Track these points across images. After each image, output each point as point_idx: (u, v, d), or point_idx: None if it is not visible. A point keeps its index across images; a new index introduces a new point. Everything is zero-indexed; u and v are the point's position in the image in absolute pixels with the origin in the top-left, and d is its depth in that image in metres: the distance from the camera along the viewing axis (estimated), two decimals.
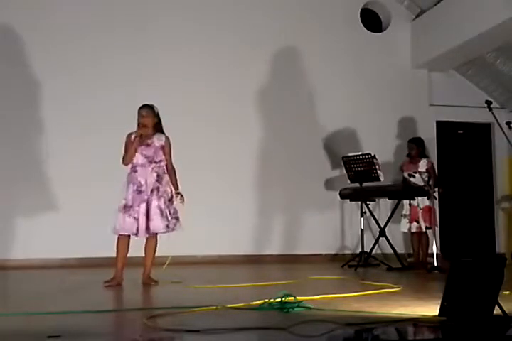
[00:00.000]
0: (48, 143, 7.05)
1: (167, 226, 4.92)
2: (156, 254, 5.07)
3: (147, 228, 4.86)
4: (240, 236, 7.45)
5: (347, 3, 8.27)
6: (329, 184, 7.88)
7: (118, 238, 4.91)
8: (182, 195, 5.00)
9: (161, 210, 4.90)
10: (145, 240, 5.01)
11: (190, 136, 7.37)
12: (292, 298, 3.52)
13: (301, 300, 3.54)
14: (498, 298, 3.07)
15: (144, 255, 5.05)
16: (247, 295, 4.17)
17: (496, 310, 3.05)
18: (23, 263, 6.60)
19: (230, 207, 7.47)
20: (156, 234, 4.97)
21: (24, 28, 7.14)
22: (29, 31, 7.14)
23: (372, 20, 8.55)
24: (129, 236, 4.91)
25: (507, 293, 3.86)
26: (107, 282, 4.81)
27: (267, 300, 3.54)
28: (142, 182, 4.90)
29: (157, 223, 4.87)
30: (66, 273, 6.08)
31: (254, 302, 3.56)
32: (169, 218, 4.94)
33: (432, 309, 3.25)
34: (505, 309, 3.06)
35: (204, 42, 7.67)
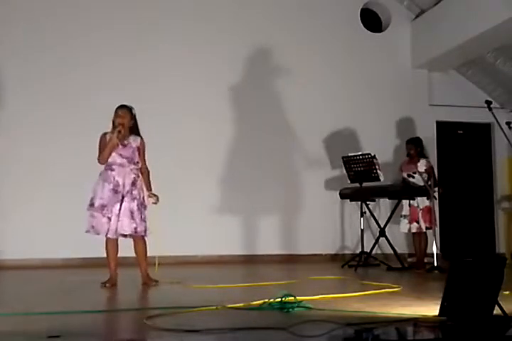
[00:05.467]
0: (41, 142, 7.07)
1: (135, 229, 4.83)
2: (156, 254, 5.06)
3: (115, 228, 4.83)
4: (240, 236, 7.46)
5: (347, 3, 8.27)
6: (329, 184, 7.88)
7: (107, 240, 4.90)
8: (156, 195, 4.97)
9: (132, 212, 4.83)
10: (133, 242, 4.97)
11: (193, 137, 7.39)
12: (292, 298, 3.52)
13: (301, 300, 3.54)
14: (498, 298, 3.07)
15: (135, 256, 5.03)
16: (247, 295, 4.18)
17: (496, 310, 3.05)
18: (23, 263, 6.60)
19: (230, 207, 7.47)
20: (138, 235, 4.91)
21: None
22: (22, 30, 7.17)
23: (372, 20, 8.56)
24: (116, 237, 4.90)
25: (507, 293, 3.85)
26: (103, 283, 4.82)
27: (267, 300, 3.54)
28: (120, 182, 4.85)
29: (125, 224, 4.80)
30: (66, 273, 6.09)
31: (254, 302, 3.56)
32: (138, 221, 4.85)
33: (432, 309, 3.25)
34: (505, 309, 3.06)
35: (196, 43, 7.65)
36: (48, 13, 7.30)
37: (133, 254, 5.00)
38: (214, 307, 3.44)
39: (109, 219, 4.81)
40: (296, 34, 7.94)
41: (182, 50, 7.60)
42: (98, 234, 4.86)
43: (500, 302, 3.06)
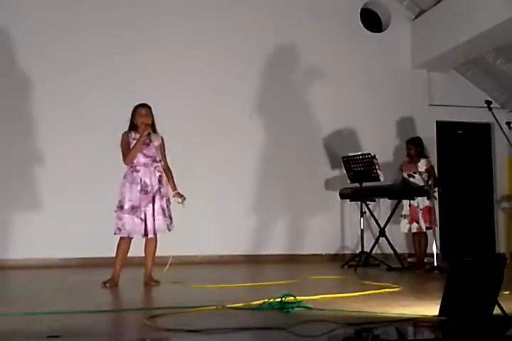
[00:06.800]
0: (43, 143, 7.06)
1: (168, 226, 4.94)
2: (157, 254, 5.07)
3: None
4: (240, 236, 7.45)
5: (347, 3, 8.27)
6: (329, 184, 7.88)
7: (120, 239, 4.90)
8: (182, 195, 4.99)
9: (164, 210, 4.92)
10: (144, 241, 5.00)
11: (190, 137, 7.38)
12: (292, 298, 3.52)
13: (301, 300, 3.54)
14: (498, 298, 3.07)
15: (144, 255, 5.04)
16: (247, 295, 4.17)
17: (496, 310, 3.05)
18: (23, 263, 6.60)
19: (231, 207, 7.47)
20: (156, 234, 4.97)
21: (18, 27, 7.13)
22: (23, 29, 7.14)
23: (372, 20, 8.56)
24: (131, 237, 4.92)
25: (507, 293, 3.86)
26: (104, 283, 4.81)
27: (267, 300, 3.54)
28: (148, 183, 4.88)
29: (161, 223, 4.89)
30: (66, 273, 6.09)
31: (254, 302, 3.56)
32: (168, 218, 4.95)
33: (432, 309, 3.25)
34: (505, 309, 3.06)
35: (203, 43, 7.65)
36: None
37: (135, 254, 4.99)
38: (214, 307, 3.44)
39: (142, 219, 4.82)
40: (296, 34, 7.93)
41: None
42: (129, 235, 4.86)
43: (500, 302, 3.06)
